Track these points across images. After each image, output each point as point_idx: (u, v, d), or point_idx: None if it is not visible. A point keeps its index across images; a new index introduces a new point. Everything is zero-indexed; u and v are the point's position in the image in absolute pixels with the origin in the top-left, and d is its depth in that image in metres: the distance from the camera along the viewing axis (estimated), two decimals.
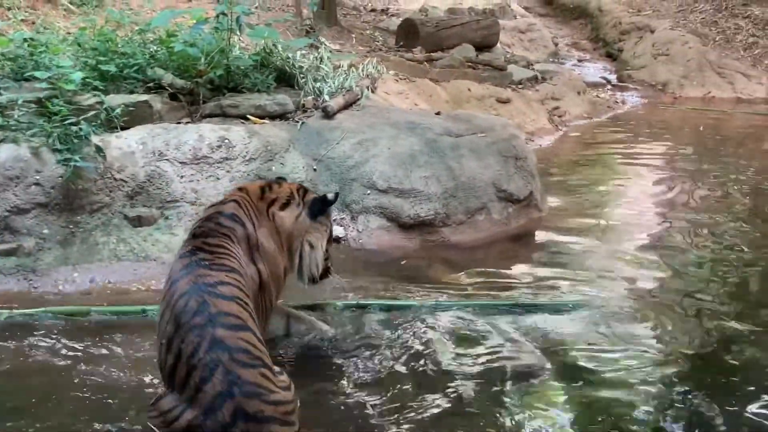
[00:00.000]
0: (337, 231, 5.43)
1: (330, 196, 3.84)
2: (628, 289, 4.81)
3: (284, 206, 3.70)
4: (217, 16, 6.03)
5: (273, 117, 6.10)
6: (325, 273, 3.93)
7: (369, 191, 5.54)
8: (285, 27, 8.57)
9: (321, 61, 6.85)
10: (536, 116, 9.77)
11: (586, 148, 9.12)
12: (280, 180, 3.98)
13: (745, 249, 5.51)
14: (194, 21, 6.34)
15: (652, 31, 13.85)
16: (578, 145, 9.30)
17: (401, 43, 10.44)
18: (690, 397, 3.48)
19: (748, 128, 10.34)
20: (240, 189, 3.72)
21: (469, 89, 9.27)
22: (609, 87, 12.77)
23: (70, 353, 3.86)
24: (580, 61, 14.56)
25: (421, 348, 3.95)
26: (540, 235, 5.94)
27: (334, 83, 6.59)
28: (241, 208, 3.50)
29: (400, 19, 11.33)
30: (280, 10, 10.66)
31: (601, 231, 5.97)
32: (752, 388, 3.57)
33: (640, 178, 7.68)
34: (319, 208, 3.78)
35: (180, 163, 5.23)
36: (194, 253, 3.15)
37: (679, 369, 3.76)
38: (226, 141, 5.38)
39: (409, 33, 10.46)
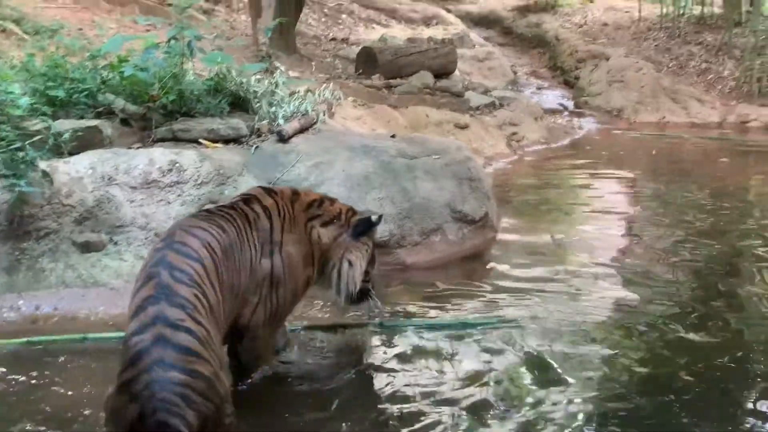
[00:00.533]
0: None
1: (374, 218, 3.99)
2: (573, 305, 4.81)
3: (326, 224, 3.84)
4: (169, 40, 6.00)
5: (227, 141, 6.05)
6: (364, 294, 4.01)
7: None
8: (242, 55, 8.56)
9: (276, 86, 6.82)
10: (494, 141, 9.86)
11: (543, 171, 9.21)
12: (334, 199, 4.06)
13: (700, 265, 5.57)
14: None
15: (607, 59, 14.08)
16: (536, 169, 9.39)
17: (360, 71, 10.50)
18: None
19: (702, 152, 10.53)
20: (294, 193, 3.86)
21: (427, 115, 9.32)
22: (566, 113, 12.94)
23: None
24: (538, 88, 14.74)
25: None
26: (494, 255, 5.93)
27: (289, 108, 6.57)
28: (277, 208, 3.65)
29: (360, 47, 11.40)
30: (241, 37, 10.66)
31: (555, 250, 6.00)
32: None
33: (596, 200, 7.75)
34: (363, 229, 3.91)
35: (130, 187, 5.16)
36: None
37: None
38: (177, 165, 5.32)
39: (368, 61, 10.52)
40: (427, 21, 16.41)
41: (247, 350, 3.64)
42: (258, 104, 6.54)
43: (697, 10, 15.35)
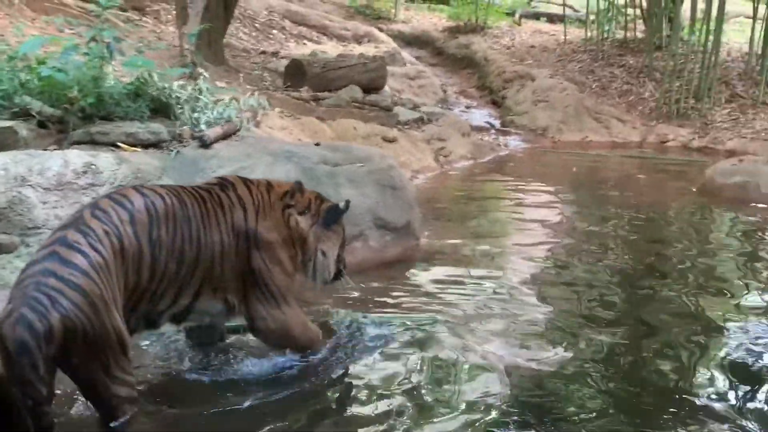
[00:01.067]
0: None
1: (341, 205, 4.16)
2: (478, 310, 4.90)
3: (301, 213, 4.02)
4: (88, 42, 5.91)
5: (146, 146, 5.97)
6: (338, 275, 4.25)
7: None
8: (167, 62, 8.46)
9: (200, 92, 6.77)
10: (422, 155, 9.96)
11: (469, 185, 9.37)
12: (303, 189, 4.15)
13: (617, 269, 5.73)
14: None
15: (533, 80, 14.41)
16: (462, 183, 9.55)
17: (288, 84, 10.50)
18: None
19: (622, 169, 10.85)
20: (268, 183, 4.06)
21: (355, 128, 9.36)
22: (493, 131, 13.16)
23: None
24: (467, 107, 14.97)
25: None
26: (416, 263, 5.98)
27: (212, 114, 6.52)
28: (251, 196, 3.85)
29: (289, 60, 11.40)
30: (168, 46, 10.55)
31: (477, 258, 6.09)
32: None
33: (519, 212, 7.91)
34: (332, 217, 4.11)
35: (43, 189, 5.03)
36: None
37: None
38: (93, 167, 5.21)
39: (296, 73, 10.53)
40: (359, 39, 16.51)
41: (265, 336, 3.95)
42: (180, 110, 6.48)
43: (620, 34, 15.88)
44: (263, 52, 12.88)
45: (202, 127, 6.27)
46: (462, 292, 5.20)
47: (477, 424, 3.40)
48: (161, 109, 6.53)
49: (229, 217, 3.72)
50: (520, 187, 9.19)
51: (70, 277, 3.04)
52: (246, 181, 3.99)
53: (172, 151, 5.92)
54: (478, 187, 9.22)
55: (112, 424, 3.26)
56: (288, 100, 9.43)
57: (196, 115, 6.43)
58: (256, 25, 14.90)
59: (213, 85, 7.65)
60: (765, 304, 5.10)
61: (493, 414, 3.50)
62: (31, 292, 2.97)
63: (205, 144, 6.03)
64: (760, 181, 8.56)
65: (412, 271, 5.80)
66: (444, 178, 9.61)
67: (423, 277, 5.63)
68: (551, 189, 9.08)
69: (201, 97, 6.72)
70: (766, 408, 3.64)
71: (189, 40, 8.03)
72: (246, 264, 3.75)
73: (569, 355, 4.17)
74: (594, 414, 3.53)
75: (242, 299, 3.81)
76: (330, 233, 4.12)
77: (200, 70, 7.29)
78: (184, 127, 6.26)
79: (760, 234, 7.09)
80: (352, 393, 3.81)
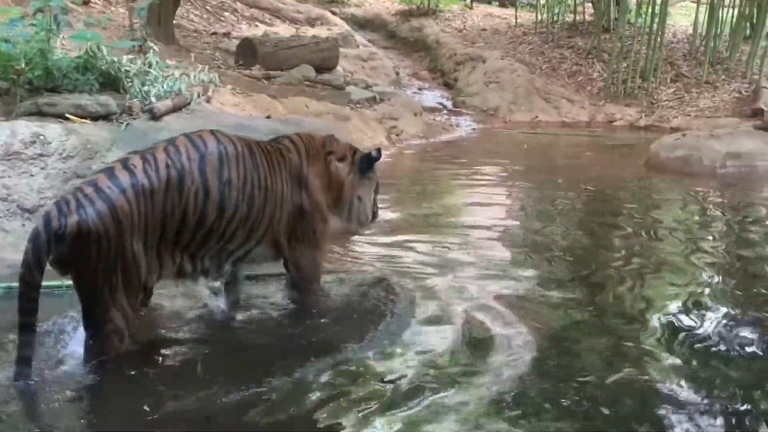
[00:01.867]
0: None
1: (374, 153, 4.40)
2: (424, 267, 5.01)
3: (340, 159, 4.28)
4: (35, 13, 5.86)
5: (95, 118, 5.96)
6: (374, 218, 4.59)
7: None
8: (117, 39, 8.40)
9: (150, 66, 6.77)
10: (374, 133, 10.02)
11: (421, 163, 9.46)
12: (338, 139, 4.42)
13: (564, 237, 5.87)
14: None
15: (484, 61, 14.59)
16: (414, 161, 9.64)
17: (240, 62, 10.49)
18: None
19: (570, 147, 11.07)
20: (309, 133, 4.35)
21: (307, 105, 9.40)
22: (445, 112, 13.31)
23: None
24: (419, 89, 15.07)
25: None
26: (363, 238, 6.02)
27: (162, 87, 6.54)
28: (303, 142, 4.17)
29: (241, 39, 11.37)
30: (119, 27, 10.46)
31: (427, 226, 6.18)
32: None
33: (469, 186, 8.03)
34: (367, 164, 4.36)
35: None
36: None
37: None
38: (41, 137, 5.21)
39: (248, 52, 10.53)
40: (312, 21, 16.50)
41: (298, 275, 4.20)
42: (130, 83, 6.49)
43: (569, 17, 16.16)
44: (214, 33, 12.82)
45: (152, 100, 6.28)
46: (414, 256, 5.29)
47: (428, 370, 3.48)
48: (110, 83, 6.52)
49: (287, 164, 4.00)
50: (471, 164, 9.32)
51: (106, 189, 3.25)
52: (296, 134, 4.31)
53: (122, 123, 5.91)
54: (431, 165, 9.32)
55: (94, 360, 3.34)
56: (240, 77, 9.43)
57: (145, 88, 6.43)
58: (208, 7, 14.80)
59: (163, 61, 7.63)
60: (704, 264, 5.28)
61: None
62: (68, 194, 3.29)
63: (154, 116, 6.05)
64: (702, 154, 8.83)
65: (360, 240, 5.86)
66: (397, 156, 9.70)
67: (367, 247, 5.66)
68: (503, 166, 9.22)
69: (151, 70, 6.72)
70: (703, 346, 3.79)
71: (138, 15, 7.98)
72: (298, 206, 4.02)
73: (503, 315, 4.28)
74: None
75: (289, 239, 4.05)
76: (365, 180, 4.39)
77: (150, 43, 7.26)
78: (134, 100, 6.26)
79: (701, 204, 7.32)
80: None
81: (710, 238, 6.09)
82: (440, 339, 3.87)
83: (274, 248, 4.03)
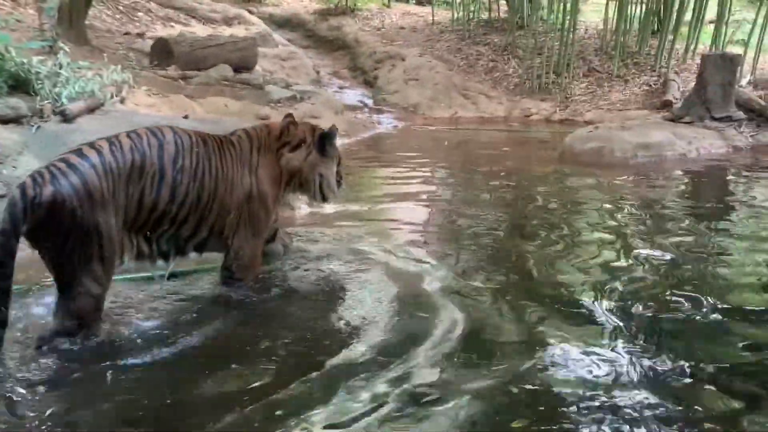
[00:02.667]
0: None
1: (328, 131, 4.64)
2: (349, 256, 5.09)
3: (294, 148, 4.50)
4: None
5: (5, 121, 5.81)
6: (338, 187, 4.82)
7: None
8: (27, 40, 8.14)
9: (60, 66, 6.60)
10: None
11: (343, 158, 9.46)
12: (296, 123, 4.65)
13: (486, 228, 5.99)
14: None
15: (403, 59, 14.72)
16: None
17: (155, 63, 10.31)
18: None
19: (489, 142, 11.27)
20: (266, 126, 4.60)
21: (226, 105, 9.32)
22: (366, 110, 13.36)
23: None
24: (340, 88, 15.09)
25: None
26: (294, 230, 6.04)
27: (74, 89, 6.40)
28: (256, 135, 4.42)
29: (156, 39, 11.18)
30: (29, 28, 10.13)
31: (353, 225, 6.20)
32: None
33: (393, 180, 8.11)
34: (323, 144, 4.59)
35: None
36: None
37: None
38: None
39: (163, 52, 10.36)
40: (229, 21, 16.33)
41: (236, 262, 4.31)
42: (40, 85, 6.33)
43: (485, 14, 16.45)
44: (128, 33, 12.55)
45: (64, 101, 6.14)
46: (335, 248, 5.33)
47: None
48: (20, 85, 6.35)
49: (238, 155, 4.25)
50: (394, 160, 9.41)
51: (78, 165, 3.53)
52: (251, 127, 4.56)
53: (33, 126, 5.76)
54: (353, 162, 9.36)
55: (69, 338, 3.55)
56: (155, 78, 9.27)
57: (57, 89, 6.29)
58: (120, 7, 14.49)
59: (75, 62, 7.44)
60: (620, 245, 5.48)
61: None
62: (41, 168, 3.54)
63: (67, 118, 5.93)
64: (614, 146, 9.14)
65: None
66: None
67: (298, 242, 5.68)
68: (425, 161, 9.34)
69: (62, 71, 6.57)
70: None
71: (47, 14, 7.77)
72: (246, 196, 4.24)
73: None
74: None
75: (234, 228, 4.25)
76: (325, 158, 4.62)
77: (60, 44, 7.07)
78: (45, 102, 6.11)
79: (612, 193, 7.58)
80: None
81: (620, 220, 6.32)
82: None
83: (222, 240, 4.24)
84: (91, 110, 6.25)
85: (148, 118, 6.35)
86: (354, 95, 14.49)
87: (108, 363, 3.47)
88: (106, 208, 3.56)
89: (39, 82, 6.31)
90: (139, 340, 3.72)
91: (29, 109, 5.96)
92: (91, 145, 3.70)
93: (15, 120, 5.81)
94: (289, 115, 4.72)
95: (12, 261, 3.36)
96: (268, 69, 13.19)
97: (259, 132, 4.45)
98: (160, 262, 4.11)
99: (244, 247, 4.30)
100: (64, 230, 3.45)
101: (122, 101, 7.31)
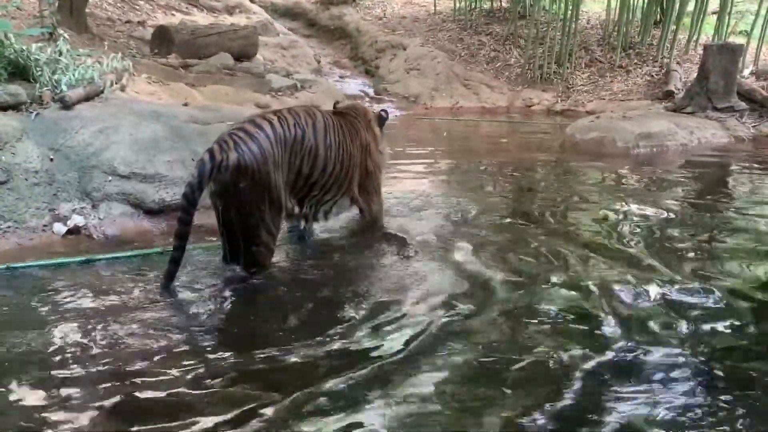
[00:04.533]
0: (77, 220, 5.23)
1: (384, 114, 5.55)
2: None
3: (377, 126, 5.39)
4: None
5: (4, 108, 5.75)
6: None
7: (111, 178, 5.39)
8: (27, 25, 8.12)
9: (60, 53, 6.57)
10: None
11: None
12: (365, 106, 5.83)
13: (491, 217, 5.98)
14: None
15: (405, 49, 14.66)
16: None
17: (156, 51, 10.27)
18: None
19: (493, 132, 11.24)
20: (360, 107, 5.48)
21: (226, 93, 9.29)
22: (367, 99, 13.30)
23: None
24: (341, 77, 15.04)
25: None
26: None
27: (74, 76, 6.35)
28: (366, 117, 5.30)
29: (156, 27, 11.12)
30: (29, 16, 10.09)
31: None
32: None
33: (396, 171, 8.06)
34: (383, 124, 5.48)
35: None
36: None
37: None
38: None
39: (163, 40, 10.32)
40: (230, 10, 16.25)
41: (369, 216, 5.41)
42: (40, 72, 6.27)
43: (487, 4, 16.35)
44: (129, 22, 12.50)
45: (63, 88, 6.10)
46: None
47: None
48: (20, 72, 6.30)
49: (357, 134, 5.06)
50: (395, 150, 9.37)
51: (255, 134, 4.27)
52: (362, 109, 5.39)
53: (32, 113, 5.73)
54: None
55: (251, 271, 4.41)
56: (155, 66, 9.24)
57: (56, 76, 6.24)
58: None
59: (75, 49, 7.41)
60: (617, 232, 5.48)
61: None
62: (224, 136, 4.27)
63: (66, 105, 5.89)
64: (615, 136, 9.11)
65: None
66: None
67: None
68: (426, 151, 9.31)
69: (61, 58, 6.52)
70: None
71: (47, 1, 7.73)
72: (364, 168, 5.17)
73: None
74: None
75: (359, 193, 5.19)
76: (382, 134, 5.48)
77: (60, 31, 7.04)
78: (44, 89, 6.07)
79: (613, 182, 7.56)
80: None
81: (619, 206, 6.31)
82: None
83: (350, 200, 5.16)
84: (90, 97, 6.21)
85: (148, 106, 6.33)
86: (355, 85, 14.42)
87: None
88: (278, 173, 4.32)
89: (38, 68, 6.26)
90: None
91: (28, 96, 5.91)
92: (263, 116, 4.46)
93: (14, 107, 5.77)
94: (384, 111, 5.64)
95: (194, 210, 4.10)
96: (269, 58, 13.14)
97: (361, 111, 5.29)
98: (301, 223, 5.07)
99: (373, 207, 5.38)
100: (246, 189, 4.18)
101: (122, 89, 7.28)
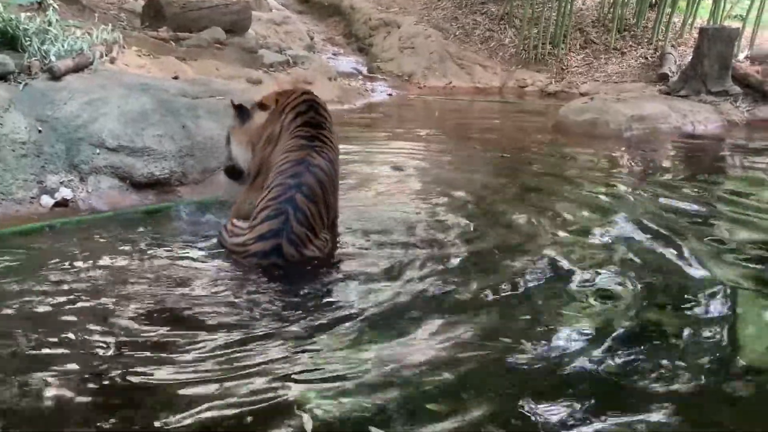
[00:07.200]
0: (65, 193, 5.17)
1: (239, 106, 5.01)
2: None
3: None
4: None
5: None
6: None
7: (99, 150, 5.31)
8: None
9: (49, 24, 6.47)
10: None
11: (337, 128, 9.35)
12: None
13: (481, 194, 5.95)
14: None
15: (399, 27, 14.56)
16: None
17: (146, 24, 10.15)
18: None
19: (486, 112, 11.20)
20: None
21: (217, 68, 9.20)
22: (360, 77, 13.24)
23: None
24: (334, 54, 14.93)
25: None
26: None
27: (63, 46, 6.24)
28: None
29: None
30: None
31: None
32: None
33: (388, 152, 8.01)
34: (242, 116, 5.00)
35: None
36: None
37: None
38: None
39: (154, 13, 10.19)
40: None
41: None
42: (28, 42, 6.17)
43: None
44: None
45: (52, 59, 6.00)
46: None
47: None
48: (8, 41, 6.21)
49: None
50: (387, 129, 9.32)
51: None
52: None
53: (20, 83, 5.64)
54: (347, 127, 9.27)
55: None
56: (146, 39, 9.12)
57: (45, 47, 6.14)
58: None
59: (65, 20, 7.31)
60: (607, 216, 5.46)
61: None
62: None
63: (55, 76, 5.79)
64: (608, 117, 9.08)
65: None
66: None
67: None
68: (419, 131, 9.24)
69: (51, 29, 6.42)
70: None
71: None
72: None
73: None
74: None
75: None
76: None
77: (50, 1, 6.94)
78: (33, 59, 5.97)
79: (606, 165, 7.53)
80: None
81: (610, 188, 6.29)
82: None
83: None
84: (79, 69, 6.11)
85: (138, 78, 6.24)
86: (348, 62, 14.33)
87: None
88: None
89: (27, 38, 6.17)
90: None
91: (17, 66, 5.81)
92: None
93: (2, 76, 5.66)
94: None
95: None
96: (261, 33, 13.00)
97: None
98: None
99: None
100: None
101: (112, 61, 7.19)
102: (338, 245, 4.64)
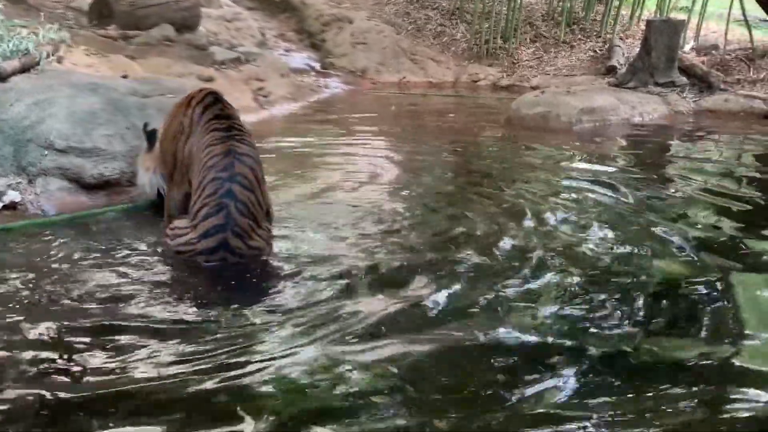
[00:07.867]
0: (12, 196, 5.09)
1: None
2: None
3: None
4: None
5: None
6: None
7: (47, 152, 5.22)
8: None
9: None
10: (240, 95, 9.78)
11: (291, 124, 9.37)
12: None
13: (430, 196, 5.99)
14: None
15: (351, 22, 14.53)
16: (283, 123, 9.52)
17: (94, 22, 9.98)
18: None
19: (439, 107, 11.25)
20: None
21: (168, 66, 9.09)
22: (313, 73, 13.19)
23: None
24: (287, 50, 14.83)
25: None
26: None
27: (8, 47, 6.15)
28: None
29: None
30: None
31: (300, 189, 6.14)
32: None
33: (341, 149, 8.01)
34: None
35: None
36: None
37: None
38: None
39: (102, 11, 10.03)
40: None
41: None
42: None
43: None
44: None
45: None
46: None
47: None
48: None
49: None
50: (341, 125, 9.31)
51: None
52: None
53: None
54: (301, 125, 9.26)
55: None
56: (94, 37, 8.99)
57: None
58: None
59: (10, 20, 7.17)
60: (561, 201, 5.55)
61: None
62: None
63: (1, 77, 5.70)
64: (560, 111, 9.21)
65: None
66: (267, 118, 9.55)
67: None
68: (373, 127, 9.24)
69: None
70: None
71: None
72: None
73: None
74: None
75: None
76: None
77: None
78: None
79: (555, 159, 7.64)
80: None
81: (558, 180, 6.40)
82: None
83: None
84: (26, 69, 6.02)
85: (86, 78, 6.16)
86: (300, 58, 14.25)
87: None
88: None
89: None
90: None
91: None
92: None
93: None
94: None
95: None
96: (212, 30, 12.86)
97: None
98: None
99: None
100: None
101: (59, 61, 7.08)
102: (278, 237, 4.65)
